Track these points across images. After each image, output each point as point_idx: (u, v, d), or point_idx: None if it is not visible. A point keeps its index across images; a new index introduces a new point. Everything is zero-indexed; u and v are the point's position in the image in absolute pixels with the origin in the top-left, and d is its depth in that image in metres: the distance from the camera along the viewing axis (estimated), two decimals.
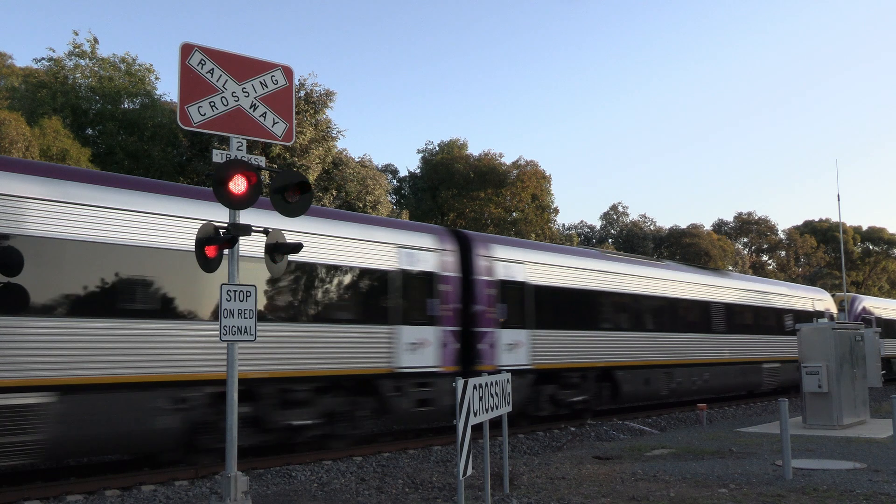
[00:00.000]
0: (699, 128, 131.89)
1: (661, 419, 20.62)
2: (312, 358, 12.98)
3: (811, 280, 68.67)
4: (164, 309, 11.12)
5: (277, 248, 7.77)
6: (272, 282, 12.51)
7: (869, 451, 12.69)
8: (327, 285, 13.54)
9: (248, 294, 7.25)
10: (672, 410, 22.83)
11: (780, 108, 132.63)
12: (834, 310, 32.90)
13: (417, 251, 15.12)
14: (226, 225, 7.36)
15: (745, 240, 73.80)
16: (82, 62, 32.73)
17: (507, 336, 16.67)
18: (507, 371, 15.48)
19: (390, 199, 44.10)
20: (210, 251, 7.30)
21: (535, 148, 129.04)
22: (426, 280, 15.21)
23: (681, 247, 59.71)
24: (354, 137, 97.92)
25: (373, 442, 15.29)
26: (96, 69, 32.87)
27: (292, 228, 12.04)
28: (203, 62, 7.46)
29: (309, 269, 13.17)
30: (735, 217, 73.96)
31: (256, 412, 12.28)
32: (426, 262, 15.27)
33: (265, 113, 7.84)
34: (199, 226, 7.79)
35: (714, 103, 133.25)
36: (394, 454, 13.99)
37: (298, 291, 13.01)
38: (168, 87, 74.07)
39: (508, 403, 9.51)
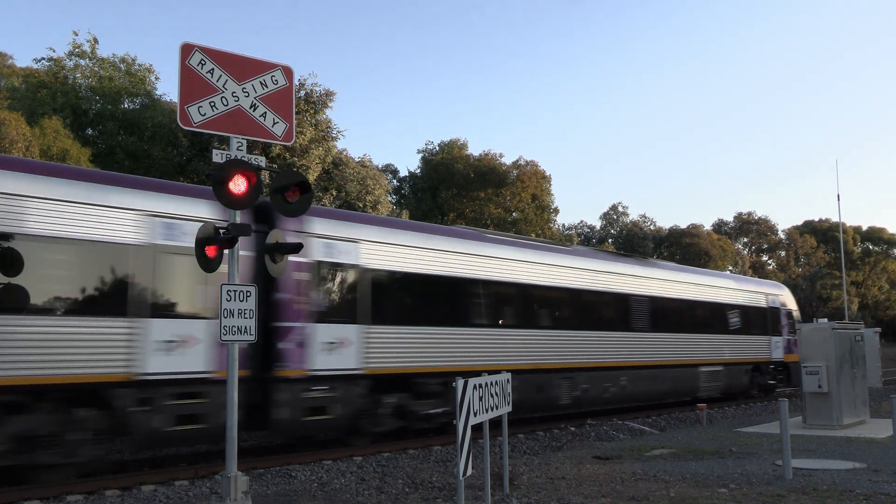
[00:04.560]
0: (699, 128, 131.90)
1: (661, 419, 20.62)
2: None
3: (811, 280, 68.62)
4: None
5: (278, 248, 7.78)
6: None
7: (869, 451, 12.69)
8: (23, 263, 10.14)
9: (248, 294, 7.26)
10: (672, 410, 22.83)
11: (780, 107, 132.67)
12: (793, 306, 29.45)
13: (182, 222, 11.69)
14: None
15: (745, 240, 73.78)
16: (82, 62, 32.72)
17: (326, 332, 13.41)
18: (327, 376, 13.38)
19: (390, 199, 44.08)
20: (210, 251, 7.31)
21: (535, 148, 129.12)
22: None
23: (681, 247, 59.66)
24: (354, 137, 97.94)
25: (373, 442, 15.28)
26: (96, 69, 32.85)
27: None
28: (203, 62, 7.46)
29: None
30: (735, 217, 73.98)
31: None
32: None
33: (265, 113, 7.85)
34: None
35: (714, 103, 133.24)
36: (394, 454, 13.99)
37: None
38: (168, 87, 74.06)
39: (508, 403, 9.51)
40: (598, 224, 68.58)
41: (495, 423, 9.98)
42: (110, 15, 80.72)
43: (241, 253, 11.57)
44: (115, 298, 10.93)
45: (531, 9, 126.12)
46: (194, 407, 11.59)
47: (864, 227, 78.58)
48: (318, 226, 13.80)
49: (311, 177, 29.36)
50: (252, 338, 7.24)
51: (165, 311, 11.41)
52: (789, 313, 28.65)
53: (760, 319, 26.86)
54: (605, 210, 70.46)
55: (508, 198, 48.20)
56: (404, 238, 15.29)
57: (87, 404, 10.71)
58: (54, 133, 26.42)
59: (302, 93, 30.58)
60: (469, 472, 7.52)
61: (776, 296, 28.35)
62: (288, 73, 8.09)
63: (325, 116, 31.62)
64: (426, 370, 14.97)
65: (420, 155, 51.46)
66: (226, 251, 7.45)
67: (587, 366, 18.87)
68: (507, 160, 49.42)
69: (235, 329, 7.14)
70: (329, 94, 31.52)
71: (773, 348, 27.08)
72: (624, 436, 17.23)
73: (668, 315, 22.25)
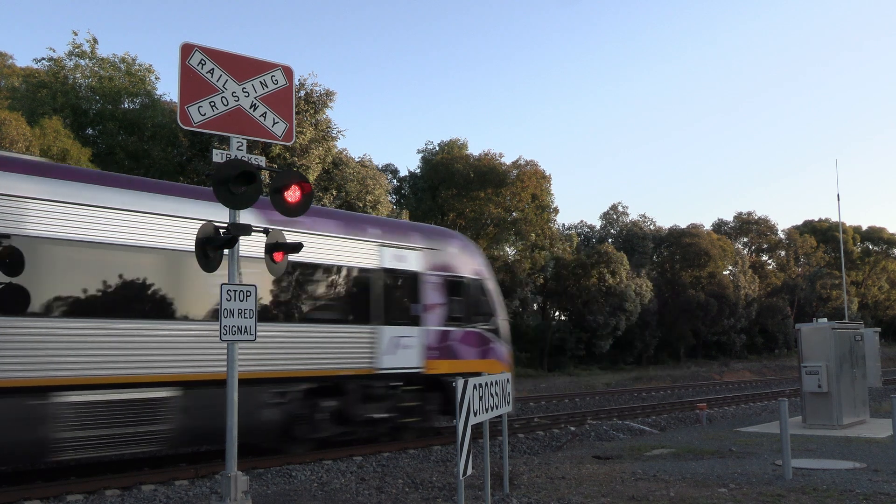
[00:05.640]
0: (699, 128, 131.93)
1: (661, 419, 20.62)
2: None
3: (811, 280, 68.56)
4: None
5: (277, 248, 7.79)
6: None
7: (869, 450, 12.70)
8: None
9: (248, 294, 7.26)
10: (672, 410, 22.83)
11: (780, 107, 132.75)
12: (469, 268, 15.93)
13: None
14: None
15: (745, 239, 73.82)
16: (82, 62, 32.71)
17: None
18: None
19: (390, 199, 44.04)
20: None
21: (535, 148, 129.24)
22: None
23: (681, 246, 59.67)
24: (354, 137, 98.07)
25: (373, 442, 15.28)
26: (96, 69, 32.85)
27: None
28: (203, 62, 7.46)
29: None
30: (735, 217, 74.02)
31: None
32: None
33: (265, 113, 7.85)
34: None
35: (715, 103, 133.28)
36: (394, 454, 13.99)
37: None
38: (168, 87, 74.10)
39: (508, 403, 9.51)
40: (598, 224, 68.58)
41: (495, 423, 10.00)
42: (110, 15, 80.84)
43: None
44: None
45: (531, 8, 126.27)
46: None
47: (864, 227, 78.73)
48: None
49: (311, 177, 29.37)
50: (252, 337, 7.25)
51: None
52: (452, 283, 15.50)
53: (350, 292, 13.89)
54: (605, 210, 70.42)
55: (508, 198, 48.13)
56: None
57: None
58: (54, 133, 26.40)
59: (302, 93, 30.58)
60: (469, 471, 7.52)
61: (416, 249, 14.95)
62: (288, 73, 8.09)
63: (325, 116, 31.62)
64: None
65: (420, 155, 51.44)
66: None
67: None
68: (507, 160, 49.35)
69: (235, 329, 7.15)
70: (329, 94, 31.53)
71: (387, 349, 14.16)
72: (624, 436, 17.24)
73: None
